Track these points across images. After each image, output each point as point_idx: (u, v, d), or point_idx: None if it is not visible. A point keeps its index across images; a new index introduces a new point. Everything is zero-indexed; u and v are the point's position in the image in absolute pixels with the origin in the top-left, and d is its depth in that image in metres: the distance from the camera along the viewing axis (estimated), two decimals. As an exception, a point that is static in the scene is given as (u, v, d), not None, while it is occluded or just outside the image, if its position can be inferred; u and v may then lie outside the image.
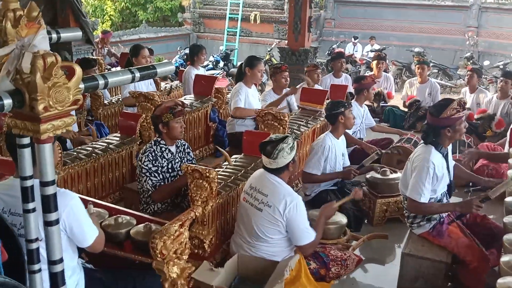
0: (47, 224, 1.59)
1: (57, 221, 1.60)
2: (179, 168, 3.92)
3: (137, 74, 1.76)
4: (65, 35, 2.10)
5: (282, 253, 3.32)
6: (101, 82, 1.62)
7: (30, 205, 1.72)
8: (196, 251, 3.47)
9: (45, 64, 1.39)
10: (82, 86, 1.53)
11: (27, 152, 1.68)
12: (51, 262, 1.65)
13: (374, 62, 8.19)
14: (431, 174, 3.48)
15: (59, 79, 1.42)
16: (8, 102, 1.39)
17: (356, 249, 3.89)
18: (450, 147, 3.77)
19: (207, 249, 3.51)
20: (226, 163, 4.18)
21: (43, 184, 1.55)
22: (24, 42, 1.40)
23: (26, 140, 1.66)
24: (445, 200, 3.71)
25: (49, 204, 1.57)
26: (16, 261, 1.87)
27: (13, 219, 2.30)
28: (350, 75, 9.05)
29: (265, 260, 3.28)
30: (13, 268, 1.84)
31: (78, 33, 2.32)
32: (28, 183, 1.70)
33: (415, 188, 3.53)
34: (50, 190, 1.55)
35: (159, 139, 3.91)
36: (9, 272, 1.80)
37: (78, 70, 1.46)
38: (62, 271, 1.67)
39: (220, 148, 4.69)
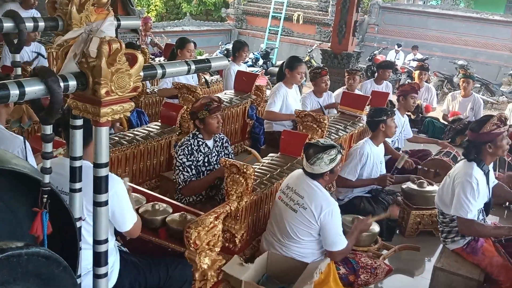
0: (97, 204, 1.63)
1: (106, 202, 1.64)
2: (215, 162, 3.94)
3: (193, 67, 1.78)
4: (125, 22, 2.15)
5: (312, 255, 3.32)
6: (159, 71, 1.65)
7: (77, 185, 1.77)
8: (226, 244, 3.50)
9: (110, 49, 1.43)
10: (141, 74, 1.56)
11: (79, 133, 1.73)
12: (97, 242, 1.69)
13: (417, 72, 8.02)
14: (475, 190, 3.43)
15: (122, 66, 1.46)
16: (73, 83, 1.44)
17: (386, 259, 3.85)
18: (491, 166, 3.70)
19: (238, 244, 3.53)
20: (258, 163, 4.18)
21: (97, 166, 1.59)
22: (92, 27, 1.44)
23: (79, 122, 1.71)
24: (481, 217, 3.64)
25: (101, 185, 1.61)
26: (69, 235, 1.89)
27: None
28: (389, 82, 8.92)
29: (294, 260, 3.30)
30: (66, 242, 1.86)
31: (137, 22, 2.38)
32: (77, 163, 1.75)
33: (460, 205, 3.47)
34: (103, 172, 1.59)
35: (197, 132, 3.93)
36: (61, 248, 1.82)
37: (141, 58, 1.50)
38: (106, 251, 1.71)
39: (248, 148, 4.64)
